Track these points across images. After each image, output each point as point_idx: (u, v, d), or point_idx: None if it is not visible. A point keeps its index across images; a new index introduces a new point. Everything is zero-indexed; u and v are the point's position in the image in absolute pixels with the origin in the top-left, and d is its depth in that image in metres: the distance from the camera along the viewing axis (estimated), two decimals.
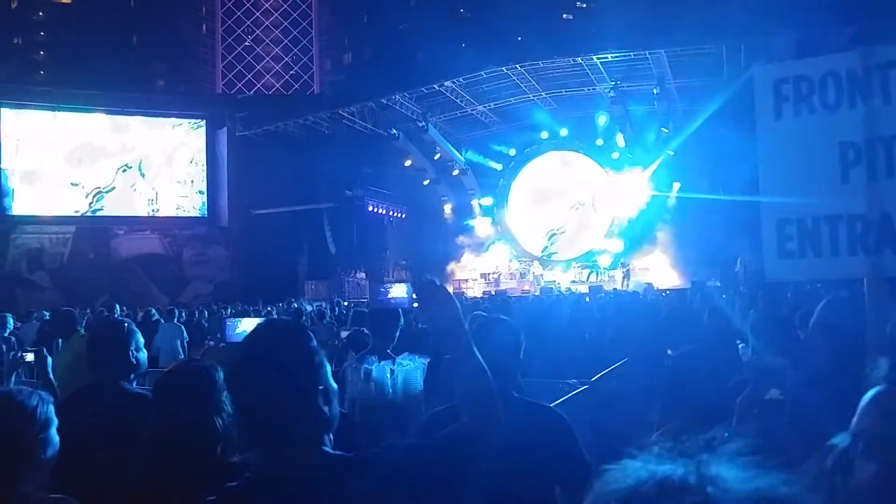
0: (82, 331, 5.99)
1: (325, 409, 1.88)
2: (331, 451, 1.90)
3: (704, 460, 0.85)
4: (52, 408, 2.30)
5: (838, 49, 2.64)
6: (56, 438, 2.29)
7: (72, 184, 27.91)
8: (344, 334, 7.21)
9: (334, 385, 1.94)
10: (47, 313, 10.59)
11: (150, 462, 2.43)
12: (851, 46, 2.55)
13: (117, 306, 11.83)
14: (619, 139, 28.30)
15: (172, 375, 2.65)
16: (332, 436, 1.92)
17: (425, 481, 1.84)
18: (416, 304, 2.17)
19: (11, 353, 4.78)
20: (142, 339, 3.46)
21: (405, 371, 4.66)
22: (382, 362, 4.64)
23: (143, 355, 3.45)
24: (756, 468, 0.84)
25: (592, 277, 28.97)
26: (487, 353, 2.08)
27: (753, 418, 2.37)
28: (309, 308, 15.30)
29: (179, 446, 2.40)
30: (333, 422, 1.91)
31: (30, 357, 3.95)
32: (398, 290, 2.83)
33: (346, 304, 18.20)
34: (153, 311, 13.17)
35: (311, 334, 1.96)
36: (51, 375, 3.87)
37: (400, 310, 4.67)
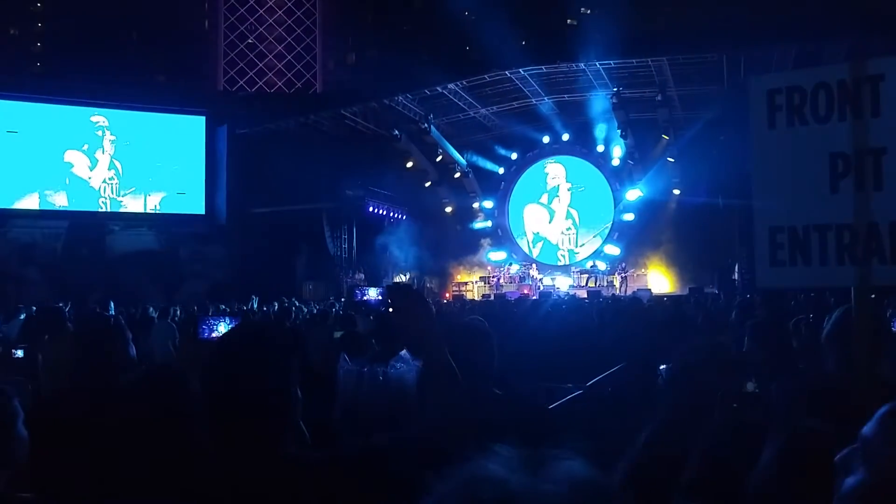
0: (70, 327, 5.92)
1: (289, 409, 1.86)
2: (295, 451, 1.89)
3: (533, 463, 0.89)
4: (14, 402, 2.21)
5: (835, 60, 2.66)
6: (23, 433, 2.20)
7: (65, 177, 27.58)
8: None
9: (297, 391, 1.92)
10: (35, 309, 10.43)
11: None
12: (846, 58, 2.58)
13: (112, 303, 11.82)
14: (620, 145, 28.39)
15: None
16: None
17: (387, 481, 1.82)
18: (390, 309, 2.10)
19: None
20: (129, 335, 3.42)
21: (398, 373, 4.64)
22: (375, 364, 4.62)
23: (132, 351, 3.42)
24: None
25: (591, 282, 29.07)
26: (463, 355, 2.08)
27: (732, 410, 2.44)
28: (305, 309, 15.25)
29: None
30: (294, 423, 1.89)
31: (20, 354, 3.91)
32: (371, 293, 2.83)
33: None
34: (150, 308, 13.16)
35: (288, 337, 1.93)
36: (40, 373, 3.83)
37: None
